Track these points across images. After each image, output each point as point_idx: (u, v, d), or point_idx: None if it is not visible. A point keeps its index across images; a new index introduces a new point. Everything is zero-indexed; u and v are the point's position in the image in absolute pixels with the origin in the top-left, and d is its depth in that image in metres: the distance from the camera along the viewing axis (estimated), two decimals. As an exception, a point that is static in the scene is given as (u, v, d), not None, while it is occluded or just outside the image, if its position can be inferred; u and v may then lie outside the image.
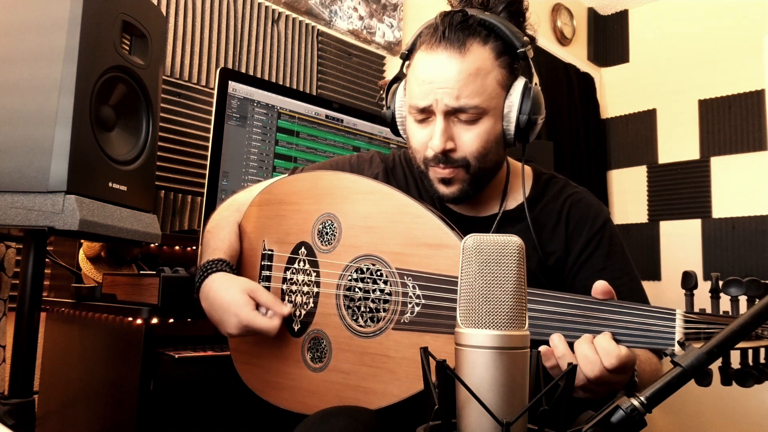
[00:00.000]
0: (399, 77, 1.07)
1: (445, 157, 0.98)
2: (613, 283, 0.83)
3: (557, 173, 1.14)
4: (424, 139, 0.99)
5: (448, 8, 1.00)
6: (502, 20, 0.97)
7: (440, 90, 0.94)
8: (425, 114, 0.98)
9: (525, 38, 0.97)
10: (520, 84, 0.97)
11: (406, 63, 1.03)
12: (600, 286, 0.81)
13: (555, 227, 1.05)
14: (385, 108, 1.09)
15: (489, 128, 0.97)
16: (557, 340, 0.79)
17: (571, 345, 0.79)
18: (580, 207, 1.06)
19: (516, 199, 1.08)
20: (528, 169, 1.12)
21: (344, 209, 0.98)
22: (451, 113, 0.96)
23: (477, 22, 0.96)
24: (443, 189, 1.01)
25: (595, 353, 0.76)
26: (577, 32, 3.64)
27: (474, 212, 1.08)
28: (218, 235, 1.08)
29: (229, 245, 1.07)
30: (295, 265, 1.02)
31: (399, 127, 1.08)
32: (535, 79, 0.99)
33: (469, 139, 0.97)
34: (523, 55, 0.97)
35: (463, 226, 0.91)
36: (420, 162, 1.02)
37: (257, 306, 0.96)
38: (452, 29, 0.95)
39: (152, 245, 1.47)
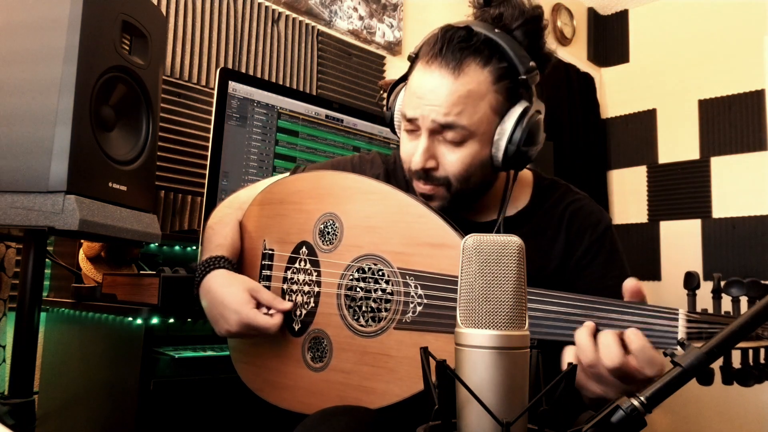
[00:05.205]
0: (404, 78, 1.05)
1: (426, 174, 0.97)
2: (611, 291, 0.82)
3: (559, 178, 1.13)
4: (410, 152, 0.98)
5: (453, 11, 0.98)
6: (511, 41, 0.93)
7: (428, 107, 0.93)
8: (413, 125, 0.97)
9: (531, 63, 0.93)
10: (516, 112, 0.93)
11: (413, 67, 1.00)
12: (630, 286, 0.80)
13: (556, 234, 1.04)
14: (385, 108, 1.09)
15: (474, 152, 0.95)
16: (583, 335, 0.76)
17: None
18: (581, 214, 1.05)
19: (516, 206, 1.07)
20: (528, 174, 1.12)
21: (346, 209, 0.98)
22: (437, 131, 0.94)
23: (481, 40, 0.92)
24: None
25: (617, 345, 0.73)
26: (577, 32, 3.64)
27: (473, 217, 1.07)
28: (221, 232, 1.08)
29: (232, 243, 1.07)
30: (296, 265, 1.02)
31: (396, 129, 1.08)
32: (537, 107, 0.95)
33: (453, 161, 0.95)
34: (525, 82, 0.93)
35: (461, 229, 0.91)
36: (406, 171, 1.02)
37: (258, 305, 0.96)
38: (450, 47, 0.92)
39: (152, 245, 1.47)
